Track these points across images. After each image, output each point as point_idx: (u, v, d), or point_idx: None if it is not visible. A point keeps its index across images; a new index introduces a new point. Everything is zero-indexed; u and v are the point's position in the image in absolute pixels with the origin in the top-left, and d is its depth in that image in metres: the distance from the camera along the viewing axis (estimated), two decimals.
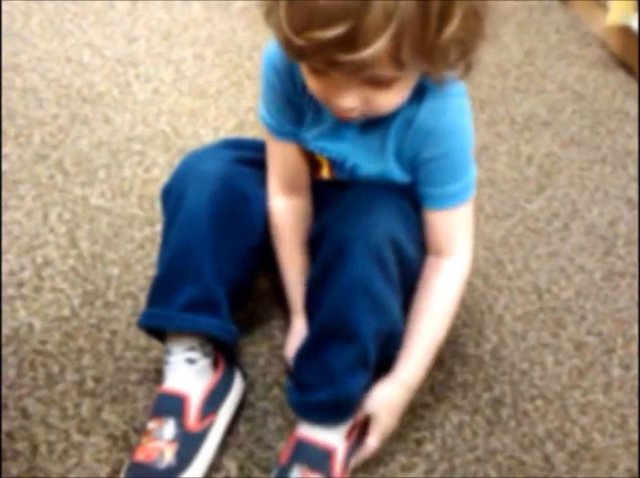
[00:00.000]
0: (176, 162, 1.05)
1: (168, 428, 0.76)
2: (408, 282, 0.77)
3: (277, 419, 0.84)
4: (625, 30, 1.45)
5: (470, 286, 1.02)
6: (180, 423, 0.76)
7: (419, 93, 0.71)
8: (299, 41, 0.59)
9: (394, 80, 0.65)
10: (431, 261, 0.78)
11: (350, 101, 0.66)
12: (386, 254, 0.71)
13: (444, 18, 0.60)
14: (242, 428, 0.83)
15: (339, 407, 0.75)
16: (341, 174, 0.79)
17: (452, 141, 0.73)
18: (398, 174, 0.76)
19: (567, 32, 1.56)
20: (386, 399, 0.77)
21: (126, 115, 1.19)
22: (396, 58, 0.60)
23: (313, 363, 0.74)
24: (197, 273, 0.77)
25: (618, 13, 1.42)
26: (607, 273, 1.07)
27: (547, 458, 0.85)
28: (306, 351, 0.75)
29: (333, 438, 0.75)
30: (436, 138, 0.72)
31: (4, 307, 0.90)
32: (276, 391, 0.86)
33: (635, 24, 1.40)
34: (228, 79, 1.30)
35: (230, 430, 0.82)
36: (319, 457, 0.74)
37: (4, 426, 0.79)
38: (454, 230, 0.77)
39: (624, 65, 1.47)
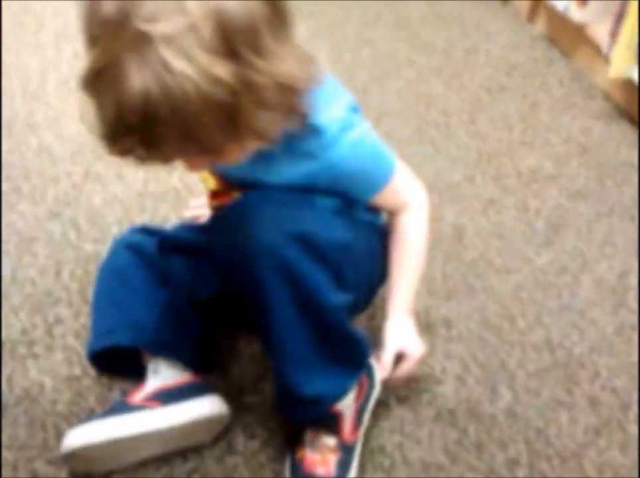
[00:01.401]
0: (184, 217, 1.06)
1: None
2: (356, 261, 0.79)
3: None
4: (627, 83, 1.48)
5: (482, 342, 1.02)
6: (124, 397, 0.83)
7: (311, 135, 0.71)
8: (110, 148, 0.63)
9: (218, 150, 0.63)
10: (395, 218, 0.86)
11: (198, 170, 0.71)
12: (294, 258, 0.70)
13: (244, 111, 0.59)
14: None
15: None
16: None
17: (353, 163, 0.76)
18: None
19: (571, 85, 1.58)
20: (401, 329, 0.86)
21: (139, 172, 1.21)
22: (196, 151, 0.61)
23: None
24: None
25: (620, 66, 1.44)
26: (619, 327, 1.06)
27: None
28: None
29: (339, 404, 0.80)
30: (337, 170, 0.75)
31: (15, 367, 0.90)
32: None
33: (636, 77, 1.42)
34: None
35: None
36: (326, 421, 0.81)
37: None
38: (395, 198, 0.84)
39: (628, 116, 1.49)
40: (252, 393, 0.91)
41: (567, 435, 0.91)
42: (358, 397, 0.83)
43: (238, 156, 0.67)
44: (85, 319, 0.96)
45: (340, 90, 0.78)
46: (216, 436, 0.85)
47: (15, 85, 1.34)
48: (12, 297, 0.98)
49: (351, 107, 0.78)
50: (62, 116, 1.30)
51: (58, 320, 0.96)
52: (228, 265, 0.74)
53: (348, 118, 0.76)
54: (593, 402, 0.96)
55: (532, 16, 1.78)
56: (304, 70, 0.64)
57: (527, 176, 1.32)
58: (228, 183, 0.83)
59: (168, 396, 0.82)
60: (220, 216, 0.78)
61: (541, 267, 1.15)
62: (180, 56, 0.56)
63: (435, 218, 1.20)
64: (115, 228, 1.10)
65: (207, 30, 0.56)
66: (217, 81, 0.57)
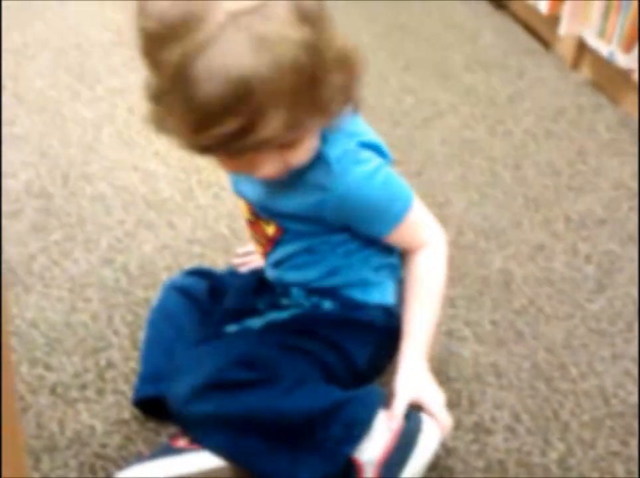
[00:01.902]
0: (232, 264, 1.08)
1: None
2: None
3: None
4: None
5: (533, 390, 0.99)
6: (169, 440, 0.84)
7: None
8: (201, 140, 0.64)
9: (300, 139, 0.70)
10: (410, 258, 0.85)
11: (269, 170, 0.71)
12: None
13: (321, 80, 0.64)
14: None
15: None
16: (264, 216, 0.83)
17: (361, 196, 0.77)
18: (308, 225, 0.80)
19: (618, 130, 1.57)
20: (414, 377, 0.82)
21: (188, 220, 1.24)
22: (295, 128, 0.66)
23: None
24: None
25: None
26: None
27: None
28: None
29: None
30: (346, 202, 0.77)
31: (67, 410, 0.92)
32: None
33: None
34: None
35: None
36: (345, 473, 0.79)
37: None
38: (413, 234, 0.83)
39: None
40: None
41: None
42: (386, 450, 0.80)
43: (305, 153, 0.71)
44: (135, 364, 0.98)
45: (360, 127, 0.80)
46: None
47: (72, 136, 1.40)
48: (65, 341, 1.01)
49: (368, 143, 0.79)
50: (115, 166, 1.34)
51: (110, 365, 0.98)
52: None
53: (358, 152, 0.77)
54: None
55: (576, 62, 1.78)
56: (357, 55, 0.69)
57: (576, 222, 1.31)
58: (254, 211, 0.85)
59: None
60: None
61: (593, 314, 1.12)
62: (269, 25, 0.61)
63: (483, 265, 1.20)
64: (165, 274, 1.13)
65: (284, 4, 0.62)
66: (305, 46, 0.61)
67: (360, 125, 0.81)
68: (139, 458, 0.82)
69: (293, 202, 0.79)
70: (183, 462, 0.80)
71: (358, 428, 0.79)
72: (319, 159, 0.75)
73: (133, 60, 1.66)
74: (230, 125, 0.62)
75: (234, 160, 0.71)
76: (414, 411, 0.81)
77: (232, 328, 0.87)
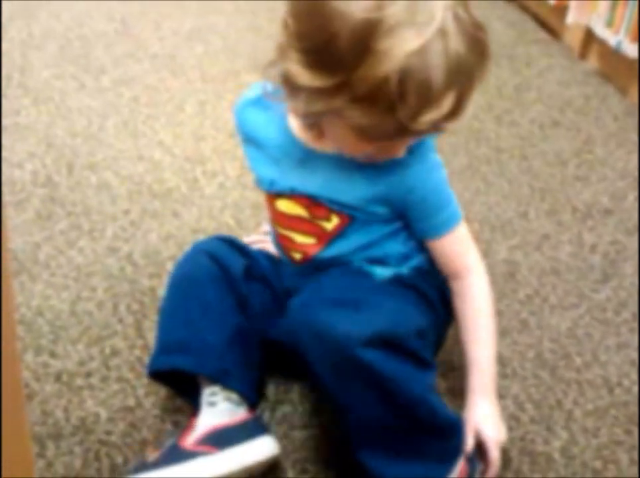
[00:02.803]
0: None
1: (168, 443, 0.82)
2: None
3: None
4: None
5: (537, 379, 0.99)
6: (177, 440, 0.81)
7: None
8: (414, 127, 0.65)
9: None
10: (452, 286, 0.84)
11: (403, 151, 0.73)
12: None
13: (475, 78, 0.69)
14: None
15: None
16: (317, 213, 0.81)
17: (431, 180, 0.79)
18: (379, 209, 0.80)
19: (625, 120, 1.56)
20: (482, 417, 0.82)
21: (193, 209, 1.24)
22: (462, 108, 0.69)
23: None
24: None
25: None
26: None
27: None
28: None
29: None
30: (419, 181, 0.77)
31: (71, 397, 0.93)
32: None
33: None
34: None
35: None
36: None
37: None
38: (458, 250, 0.83)
39: None
40: (302, 428, 0.91)
41: (627, 476, 0.88)
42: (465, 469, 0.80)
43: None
44: (140, 352, 0.98)
45: None
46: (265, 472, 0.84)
47: (77, 126, 1.41)
48: (71, 329, 1.01)
49: None
50: (121, 156, 1.35)
51: (114, 353, 0.98)
52: (306, 353, 0.74)
53: (432, 143, 0.80)
54: None
55: (584, 52, 1.77)
56: None
57: (582, 212, 1.30)
58: (314, 203, 0.81)
59: (222, 439, 0.80)
60: (292, 307, 0.78)
61: (598, 304, 1.12)
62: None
63: (488, 254, 1.20)
64: (170, 263, 1.13)
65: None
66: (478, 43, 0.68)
67: None
68: (148, 465, 0.79)
69: (360, 187, 0.78)
70: (196, 468, 0.77)
71: (461, 453, 0.80)
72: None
73: (138, 50, 1.67)
74: (445, 106, 0.65)
75: (376, 142, 0.70)
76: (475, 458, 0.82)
77: (377, 270, 0.83)
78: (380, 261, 0.84)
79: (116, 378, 0.95)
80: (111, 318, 1.03)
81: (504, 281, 1.15)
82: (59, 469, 0.85)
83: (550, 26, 1.87)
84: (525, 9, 1.94)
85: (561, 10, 1.74)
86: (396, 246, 0.84)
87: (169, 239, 1.18)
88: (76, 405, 0.92)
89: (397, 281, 0.83)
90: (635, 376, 1.01)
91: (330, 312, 0.72)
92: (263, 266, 0.92)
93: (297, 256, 0.86)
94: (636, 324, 1.09)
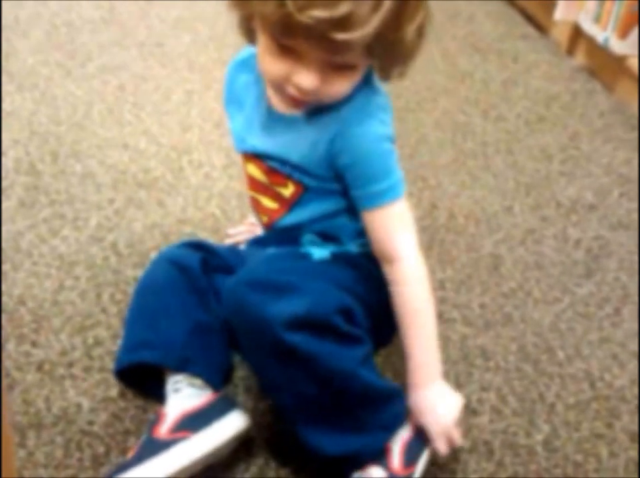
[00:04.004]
0: (226, 244, 1.08)
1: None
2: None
3: None
4: None
5: (520, 373, 1.00)
6: (150, 432, 0.81)
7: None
8: (300, 18, 0.64)
9: (354, 68, 0.71)
10: (384, 271, 0.81)
11: (311, 81, 0.71)
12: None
13: (412, 16, 0.68)
14: None
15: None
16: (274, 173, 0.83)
17: (366, 146, 0.77)
18: (322, 171, 0.80)
19: (611, 116, 1.57)
20: (422, 406, 0.80)
21: (178, 199, 1.23)
22: (369, 46, 0.67)
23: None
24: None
25: None
26: None
27: None
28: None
29: None
30: (352, 144, 0.77)
31: (53, 387, 0.92)
32: None
33: None
34: None
35: None
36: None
37: None
38: (389, 230, 0.80)
39: None
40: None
41: (607, 469, 0.89)
42: (411, 433, 0.82)
43: (340, 89, 0.73)
44: None
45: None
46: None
47: (62, 114, 1.39)
48: (53, 319, 1.00)
49: (390, 112, 0.81)
50: (106, 145, 1.33)
51: (97, 343, 0.98)
52: (238, 335, 0.78)
53: (388, 115, 0.80)
54: (634, 436, 0.93)
55: (571, 48, 1.77)
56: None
57: (567, 207, 1.31)
58: (269, 168, 0.84)
59: (195, 422, 0.81)
60: (229, 288, 0.79)
61: (581, 298, 1.13)
62: None
63: (473, 248, 1.20)
64: (155, 253, 1.12)
65: None
66: None
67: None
68: (127, 463, 0.79)
69: (310, 145, 0.78)
70: (173, 457, 0.78)
71: (402, 419, 0.80)
72: (353, 105, 0.77)
73: (125, 38, 1.65)
74: (335, 11, 0.63)
75: (287, 59, 0.71)
76: None
77: (313, 249, 0.84)
78: (333, 236, 0.86)
79: (99, 368, 0.95)
80: (94, 308, 1.03)
81: (488, 274, 1.15)
82: (40, 459, 0.84)
83: (538, 22, 1.88)
84: (513, 5, 1.95)
85: (549, 6, 1.75)
86: (350, 222, 0.84)
87: (154, 229, 1.17)
88: (57, 395, 0.91)
89: (341, 258, 0.84)
90: (616, 371, 1.02)
91: (257, 296, 0.74)
92: (223, 255, 0.95)
93: (264, 219, 0.90)
94: (618, 319, 1.10)
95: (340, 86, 0.73)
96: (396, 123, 1.53)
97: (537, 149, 1.45)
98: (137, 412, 0.90)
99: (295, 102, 0.75)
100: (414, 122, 1.49)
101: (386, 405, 0.80)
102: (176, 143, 1.36)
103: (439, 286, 1.11)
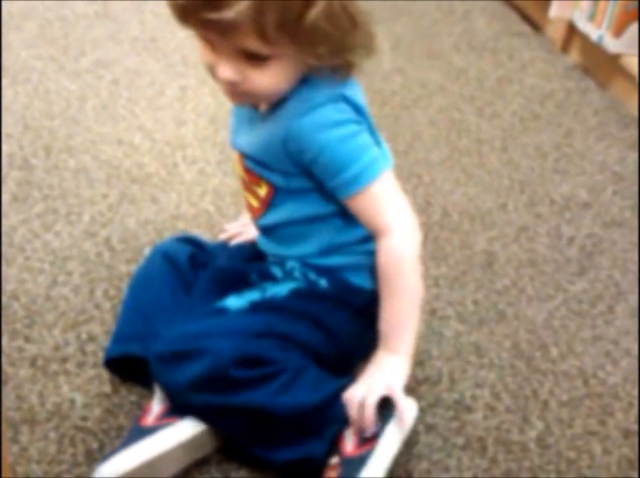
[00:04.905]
0: (219, 239, 1.08)
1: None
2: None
3: None
4: None
5: (513, 370, 1.00)
6: (136, 422, 0.84)
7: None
8: None
9: (268, 59, 0.71)
10: (376, 244, 0.80)
11: (227, 72, 0.72)
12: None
13: (307, 1, 0.67)
14: None
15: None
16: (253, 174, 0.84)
17: (318, 138, 0.76)
18: (285, 167, 0.80)
19: (605, 114, 1.57)
20: (385, 369, 0.80)
21: (172, 195, 1.23)
22: (260, 30, 0.67)
23: None
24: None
25: None
26: None
27: None
28: None
29: None
30: (306, 138, 0.76)
31: (47, 383, 0.92)
32: None
33: None
34: None
35: None
36: None
37: None
38: (376, 208, 0.79)
39: None
40: None
41: (600, 466, 0.89)
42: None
43: (266, 82, 0.73)
44: None
45: (352, 90, 0.80)
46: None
47: (56, 109, 1.38)
48: (46, 314, 1.00)
49: (352, 101, 0.78)
50: (99, 140, 1.33)
51: (91, 338, 0.97)
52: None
53: (338, 102, 0.77)
54: (627, 433, 0.93)
55: (566, 46, 1.78)
56: (364, 18, 0.71)
57: (560, 204, 1.31)
58: (247, 167, 0.85)
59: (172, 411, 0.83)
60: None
61: (574, 296, 1.13)
62: None
63: (467, 245, 1.20)
64: (148, 249, 1.12)
65: None
66: None
67: (353, 88, 0.80)
68: (116, 449, 0.80)
69: (272, 147, 0.79)
70: (159, 440, 0.80)
71: (342, 422, 0.80)
72: (298, 98, 0.76)
73: (119, 32, 1.64)
74: None
75: (207, 48, 0.73)
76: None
77: (230, 302, 0.85)
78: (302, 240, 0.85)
79: (92, 364, 0.94)
80: (87, 303, 1.02)
81: (482, 271, 1.15)
82: (33, 454, 0.84)
83: (533, 20, 1.88)
84: (508, 2, 1.95)
85: (544, 4, 1.75)
86: (324, 234, 0.84)
87: (147, 225, 1.17)
88: (51, 390, 0.91)
89: (261, 304, 0.84)
90: (609, 368, 1.02)
91: (164, 368, 0.81)
92: (212, 252, 0.96)
93: (251, 216, 0.91)
94: (611, 317, 1.10)
95: (262, 79, 0.73)
96: (390, 121, 1.54)
97: (531, 147, 1.45)
98: (130, 408, 0.89)
99: (231, 96, 0.76)
100: (409, 119, 1.49)
101: (323, 412, 0.79)
102: (171, 138, 1.35)
103: (433, 283, 1.11)
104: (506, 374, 0.99)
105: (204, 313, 0.85)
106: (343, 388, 0.81)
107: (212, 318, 0.84)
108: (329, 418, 0.80)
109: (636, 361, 1.03)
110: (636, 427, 0.94)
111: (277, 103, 0.78)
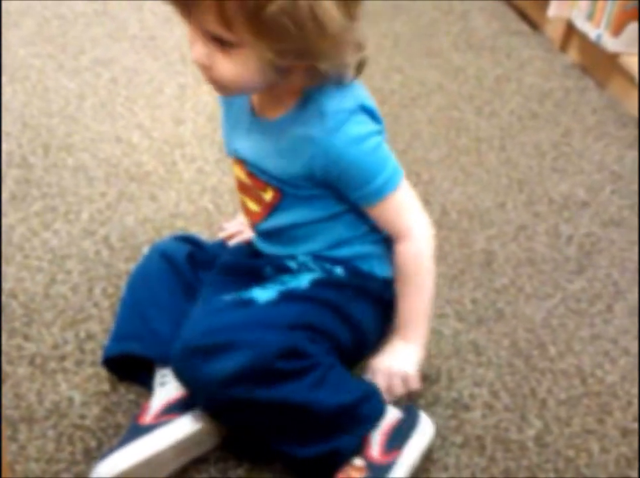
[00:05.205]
0: (218, 238, 1.08)
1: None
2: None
3: None
4: None
5: (512, 368, 1.00)
6: (134, 421, 0.83)
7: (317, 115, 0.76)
8: None
9: (234, 47, 0.70)
10: (395, 246, 0.84)
11: (196, 53, 0.73)
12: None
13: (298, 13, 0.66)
14: None
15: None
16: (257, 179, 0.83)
17: (349, 154, 0.77)
18: (300, 182, 0.80)
19: (604, 113, 1.58)
20: (390, 352, 0.85)
21: (171, 193, 1.23)
22: (221, 12, 0.67)
23: None
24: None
25: None
26: None
27: None
28: None
29: None
30: (334, 159, 0.76)
31: (45, 381, 0.91)
32: None
33: None
34: None
35: None
36: None
37: None
38: (397, 214, 0.82)
39: None
40: None
41: (598, 465, 0.89)
42: (397, 418, 0.83)
43: (236, 70, 0.72)
44: None
45: (362, 92, 0.80)
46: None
47: (54, 107, 1.38)
48: (45, 312, 1.00)
49: (368, 107, 0.79)
50: (98, 138, 1.33)
51: (89, 336, 0.97)
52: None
53: (356, 112, 0.77)
54: (625, 432, 0.94)
55: (564, 45, 1.78)
56: (345, 26, 0.70)
57: (559, 203, 1.31)
58: (251, 172, 0.84)
59: (180, 407, 0.83)
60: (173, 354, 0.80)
61: (573, 295, 1.13)
62: None
63: (465, 244, 1.21)
64: (147, 247, 1.12)
65: None
66: None
67: (362, 91, 0.80)
68: (114, 447, 0.80)
69: (284, 161, 0.79)
70: (157, 438, 0.80)
71: (373, 423, 0.81)
72: (315, 111, 0.76)
73: (117, 31, 1.64)
74: None
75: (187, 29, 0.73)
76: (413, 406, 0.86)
77: (257, 293, 0.83)
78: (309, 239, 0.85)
79: (91, 362, 0.94)
80: (86, 301, 1.02)
81: (480, 270, 1.15)
82: (32, 453, 0.84)
83: (531, 19, 1.88)
84: (507, 1, 1.95)
85: (543, 3, 1.75)
86: (333, 231, 0.84)
87: (146, 223, 1.16)
88: (49, 388, 0.91)
89: (290, 293, 0.83)
90: (608, 367, 1.02)
91: (193, 361, 0.77)
92: (210, 251, 0.95)
93: (249, 219, 0.90)
94: (609, 316, 1.10)
95: (226, 66, 0.72)
96: (389, 119, 1.54)
97: (530, 146, 1.45)
98: (129, 406, 0.89)
99: (212, 85, 0.76)
100: (408, 118, 1.49)
101: (353, 411, 0.80)
102: (169, 136, 1.35)
103: None
104: (505, 373, 0.99)
105: (229, 304, 0.83)
106: (372, 393, 0.83)
107: (241, 310, 0.82)
108: (361, 417, 0.81)
109: (634, 360, 1.03)
110: (634, 425, 0.94)
111: (287, 112, 0.77)
